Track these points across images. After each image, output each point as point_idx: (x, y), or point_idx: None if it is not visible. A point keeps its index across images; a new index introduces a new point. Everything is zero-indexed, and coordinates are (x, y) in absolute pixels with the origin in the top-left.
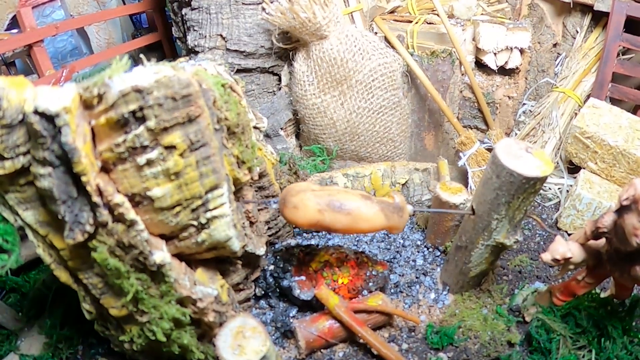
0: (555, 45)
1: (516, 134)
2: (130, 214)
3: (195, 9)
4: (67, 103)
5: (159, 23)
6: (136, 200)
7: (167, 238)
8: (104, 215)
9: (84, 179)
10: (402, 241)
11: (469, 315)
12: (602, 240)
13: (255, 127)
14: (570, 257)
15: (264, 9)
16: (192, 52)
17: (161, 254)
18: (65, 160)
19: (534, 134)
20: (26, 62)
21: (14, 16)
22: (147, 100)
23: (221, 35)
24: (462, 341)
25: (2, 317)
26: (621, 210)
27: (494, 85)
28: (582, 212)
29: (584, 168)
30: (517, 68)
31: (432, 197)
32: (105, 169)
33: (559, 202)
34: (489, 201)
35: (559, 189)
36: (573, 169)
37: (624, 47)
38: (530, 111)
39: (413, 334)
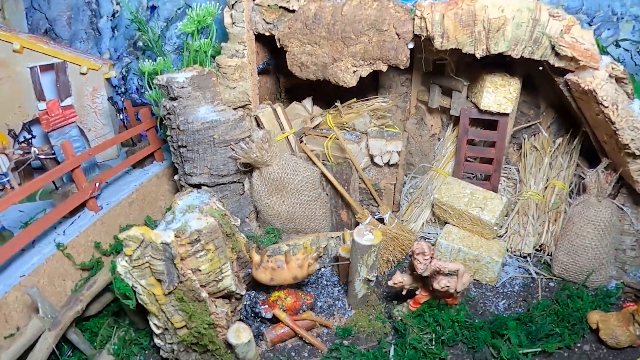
0: (432, 135)
1: (405, 203)
2: (192, 277)
3: (190, 150)
4: (171, 238)
5: (152, 138)
6: (194, 271)
7: (204, 286)
8: (182, 277)
9: (176, 263)
10: (326, 282)
11: (360, 319)
12: None
13: (234, 224)
14: (402, 282)
15: (232, 149)
16: (187, 175)
17: (204, 293)
18: (170, 258)
19: (417, 202)
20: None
21: (27, 123)
22: (200, 234)
23: (207, 167)
24: (356, 333)
25: (83, 346)
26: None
27: (384, 176)
28: (443, 253)
29: (447, 223)
30: (396, 163)
31: (338, 255)
32: (182, 259)
33: None
34: (354, 257)
35: (434, 239)
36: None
37: (470, 138)
38: (413, 188)
39: (329, 331)
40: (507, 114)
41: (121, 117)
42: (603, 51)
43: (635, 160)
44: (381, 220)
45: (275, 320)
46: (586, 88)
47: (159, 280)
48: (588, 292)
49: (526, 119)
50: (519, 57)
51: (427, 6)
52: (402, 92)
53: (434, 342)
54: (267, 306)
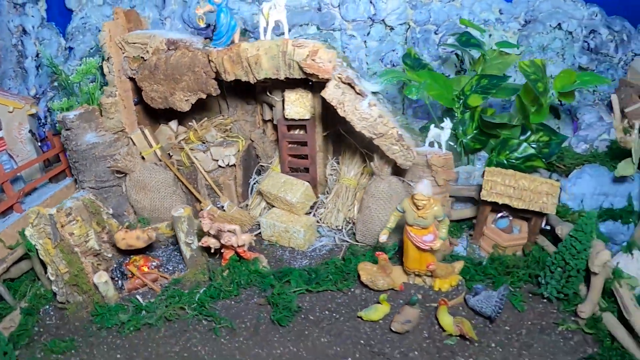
0: (272, 141)
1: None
2: (68, 237)
3: (81, 164)
4: (54, 211)
5: (64, 159)
6: (70, 234)
7: (77, 245)
8: (62, 237)
9: (57, 228)
10: (176, 252)
11: (189, 274)
12: None
13: (105, 211)
14: (207, 242)
15: (115, 161)
16: (81, 182)
17: (77, 248)
18: (54, 224)
19: (258, 194)
20: None
21: None
22: (71, 210)
23: (94, 176)
24: (184, 282)
25: (8, 297)
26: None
27: (226, 174)
28: (265, 228)
29: (274, 206)
30: (234, 164)
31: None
32: (62, 225)
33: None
34: (175, 227)
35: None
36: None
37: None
38: (258, 183)
39: (167, 282)
40: (307, 119)
41: (42, 144)
42: (413, 58)
43: (383, 143)
44: (222, 207)
45: (132, 275)
46: (322, 94)
47: (49, 239)
48: (371, 250)
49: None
50: (283, 78)
51: (214, 52)
52: (248, 109)
53: (232, 285)
54: (127, 267)
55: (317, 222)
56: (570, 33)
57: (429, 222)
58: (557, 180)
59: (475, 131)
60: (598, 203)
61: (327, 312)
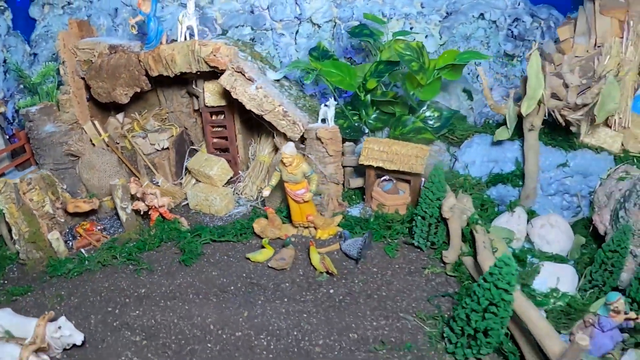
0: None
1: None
2: (28, 202)
3: (42, 150)
4: (17, 181)
5: (28, 150)
6: (30, 199)
7: (37, 209)
8: (23, 202)
9: (20, 194)
10: (116, 217)
11: (125, 234)
12: None
13: (59, 186)
14: (137, 206)
15: (69, 145)
16: (42, 165)
17: (35, 211)
18: (17, 191)
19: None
20: None
21: None
22: (31, 180)
23: (52, 160)
24: (121, 239)
25: None
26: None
27: (159, 156)
28: (191, 198)
29: (199, 181)
30: (167, 148)
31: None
32: (24, 192)
33: None
34: (112, 194)
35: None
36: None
37: (214, 125)
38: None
39: (107, 239)
40: (224, 106)
41: (10, 139)
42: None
43: (272, 119)
44: (157, 183)
45: (80, 236)
46: (219, 81)
47: (13, 204)
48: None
49: None
50: (194, 71)
51: (142, 54)
52: (183, 102)
53: (155, 239)
54: (77, 229)
55: (237, 193)
56: (494, 22)
57: (299, 178)
58: (453, 150)
59: (377, 112)
60: (488, 169)
61: (225, 257)
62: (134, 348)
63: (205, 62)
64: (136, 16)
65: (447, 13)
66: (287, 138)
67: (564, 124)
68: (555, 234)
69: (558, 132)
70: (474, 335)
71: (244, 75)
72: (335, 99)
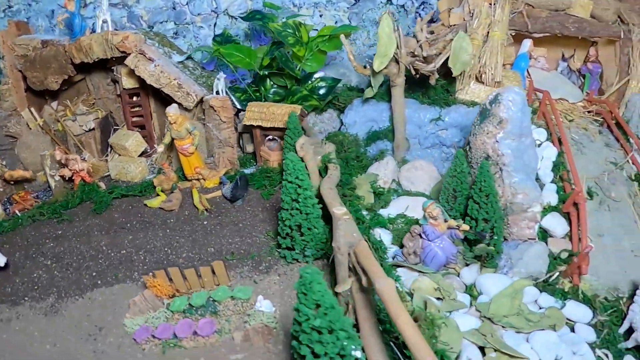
0: None
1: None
2: None
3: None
4: None
5: None
6: None
7: None
8: None
9: None
10: (50, 189)
11: (53, 199)
12: None
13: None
14: (63, 173)
15: (8, 128)
16: None
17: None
18: None
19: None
20: None
21: None
22: None
23: (11, 135)
24: (51, 202)
25: None
26: None
27: (86, 135)
28: (112, 168)
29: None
30: (93, 128)
31: None
32: None
33: None
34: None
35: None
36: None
37: (132, 106)
38: None
39: (39, 203)
40: (139, 88)
41: None
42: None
43: (170, 91)
44: (84, 159)
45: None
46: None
47: None
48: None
49: None
50: (109, 57)
51: (67, 45)
52: (109, 89)
53: (77, 198)
54: (13, 197)
55: (152, 163)
56: (403, 6)
57: (184, 135)
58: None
59: (275, 86)
60: (368, 128)
61: (130, 207)
62: (44, 268)
63: (117, 49)
64: (63, 14)
65: (355, 0)
66: (183, 107)
67: (418, 76)
68: (419, 175)
69: (435, 91)
70: (291, 235)
71: (145, 56)
72: (222, 72)
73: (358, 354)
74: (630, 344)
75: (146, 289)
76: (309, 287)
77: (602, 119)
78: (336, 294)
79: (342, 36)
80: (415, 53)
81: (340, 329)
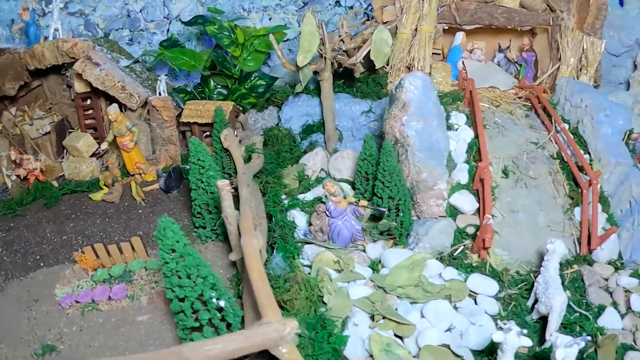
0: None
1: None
2: None
3: None
4: None
5: None
6: None
7: None
8: None
9: None
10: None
11: (12, 197)
12: None
13: None
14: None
15: None
16: None
17: None
18: None
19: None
20: None
21: None
22: None
23: None
24: (7, 201)
25: None
26: None
27: (45, 139)
28: (66, 170)
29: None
30: (49, 132)
31: None
32: None
33: None
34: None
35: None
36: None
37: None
38: None
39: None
40: (90, 92)
41: None
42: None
43: (114, 93)
44: (39, 160)
45: None
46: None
47: None
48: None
49: None
50: (61, 63)
51: (22, 52)
52: (65, 94)
53: (31, 196)
54: None
55: (104, 163)
56: (351, 7)
57: (124, 132)
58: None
59: (218, 87)
60: (303, 122)
61: (77, 201)
62: None
63: (67, 55)
64: (19, 24)
65: (303, 3)
66: (128, 108)
67: (341, 69)
68: (344, 163)
69: (367, 85)
70: (201, 214)
71: (92, 61)
72: (163, 74)
73: (222, 303)
74: (534, 315)
75: (76, 263)
76: (164, 234)
77: (530, 104)
78: (234, 263)
79: (270, 36)
80: (336, 47)
81: (198, 275)
